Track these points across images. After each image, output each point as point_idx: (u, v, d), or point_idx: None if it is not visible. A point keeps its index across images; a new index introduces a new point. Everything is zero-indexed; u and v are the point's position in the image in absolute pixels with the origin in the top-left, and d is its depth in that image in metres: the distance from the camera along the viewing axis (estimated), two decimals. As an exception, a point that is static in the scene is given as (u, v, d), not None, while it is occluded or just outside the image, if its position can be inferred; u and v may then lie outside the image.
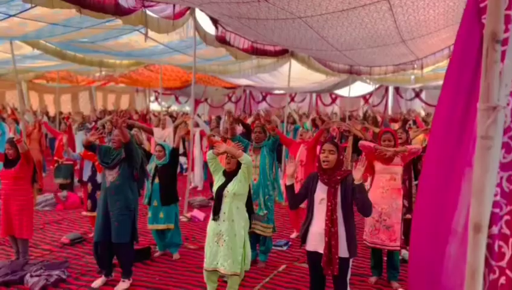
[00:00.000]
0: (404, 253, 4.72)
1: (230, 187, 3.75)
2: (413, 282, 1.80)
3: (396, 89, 18.73)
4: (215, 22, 7.05)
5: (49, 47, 8.18)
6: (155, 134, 7.87)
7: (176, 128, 7.87)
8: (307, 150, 5.64)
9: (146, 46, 7.74)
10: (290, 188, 3.27)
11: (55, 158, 8.46)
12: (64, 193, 7.88)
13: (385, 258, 4.45)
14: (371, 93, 18.50)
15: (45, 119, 11.69)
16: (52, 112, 16.38)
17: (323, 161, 3.10)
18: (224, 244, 3.68)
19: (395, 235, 4.16)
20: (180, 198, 7.05)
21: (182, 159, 9.46)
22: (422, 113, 16.74)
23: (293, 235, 5.98)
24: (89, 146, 4.51)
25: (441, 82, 6.70)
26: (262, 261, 4.86)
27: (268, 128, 4.88)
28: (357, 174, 3.00)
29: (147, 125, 8.94)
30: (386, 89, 18.79)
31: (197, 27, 6.77)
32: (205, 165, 9.27)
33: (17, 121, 9.78)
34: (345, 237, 3.05)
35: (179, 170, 7.86)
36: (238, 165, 3.83)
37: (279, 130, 7.36)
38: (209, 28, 7.14)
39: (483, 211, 1.29)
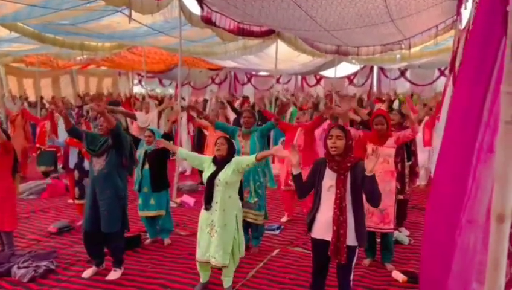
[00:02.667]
0: (397, 234, 4.73)
1: (222, 176, 3.65)
2: (425, 269, 1.75)
3: (381, 69, 18.69)
4: (200, 1, 6.84)
5: (27, 30, 7.85)
6: (138, 119, 7.65)
7: (160, 112, 7.69)
8: (305, 134, 5.52)
9: (129, 27, 7.46)
10: (297, 178, 3.13)
11: (37, 145, 8.24)
12: (48, 180, 7.69)
13: (378, 240, 4.45)
14: (355, 74, 18.42)
15: (25, 105, 11.32)
16: (32, 97, 15.93)
17: (331, 147, 2.98)
18: (216, 235, 3.61)
19: (388, 217, 4.15)
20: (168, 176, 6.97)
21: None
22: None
23: (284, 218, 5.94)
24: (72, 132, 4.32)
25: (425, 60, 6.64)
26: (255, 246, 4.82)
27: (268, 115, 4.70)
28: (370, 165, 2.84)
29: (131, 110, 8.75)
30: (371, 69, 18.72)
31: (182, 7, 6.57)
32: (193, 149, 9.16)
33: None
34: (353, 226, 2.97)
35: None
36: (229, 152, 3.73)
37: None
38: (195, 8, 6.93)
39: (507, 200, 1.22)
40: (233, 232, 3.66)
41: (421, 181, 7.33)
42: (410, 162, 5.29)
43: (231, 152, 3.75)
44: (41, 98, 15.81)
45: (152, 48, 11.66)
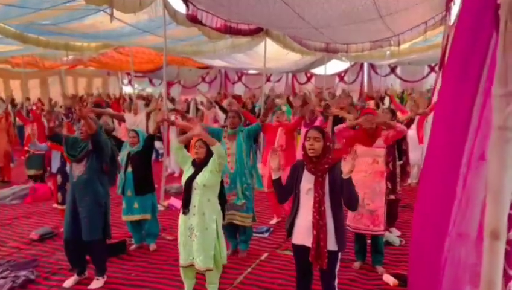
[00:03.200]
0: (388, 235, 4.63)
1: (199, 178, 3.54)
2: (413, 280, 1.64)
3: (372, 66, 18.64)
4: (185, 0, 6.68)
5: (8, 30, 7.62)
6: (127, 120, 7.50)
7: (148, 114, 7.53)
8: (286, 133, 5.43)
9: (113, 27, 7.27)
10: (276, 182, 3.01)
11: (26, 148, 8.02)
12: (30, 184, 7.50)
13: (369, 241, 4.34)
14: (346, 71, 18.34)
15: (9, 108, 11.07)
16: (19, 99, 15.64)
17: (309, 149, 2.87)
18: (196, 239, 3.50)
19: (378, 219, 4.04)
20: (156, 185, 6.79)
21: (158, 144, 9.14)
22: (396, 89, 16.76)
23: (273, 221, 5.82)
24: (53, 137, 4.18)
25: (415, 55, 6.56)
26: (243, 251, 4.69)
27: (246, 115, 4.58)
28: (346, 167, 2.73)
29: (120, 111, 8.57)
30: (361, 66, 18.65)
31: (166, 5, 6.40)
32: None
33: None
34: (333, 230, 2.86)
35: (154, 155, 7.58)
36: (208, 154, 3.60)
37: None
38: (180, 6, 6.76)
39: (502, 214, 1.11)
40: (215, 235, 3.55)
41: (412, 179, 7.24)
42: (401, 161, 5.19)
43: (209, 154, 3.62)
44: (28, 99, 15.55)
45: (140, 47, 11.47)
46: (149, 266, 4.50)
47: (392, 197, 4.86)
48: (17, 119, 11.38)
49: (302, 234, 2.92)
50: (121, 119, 7.67)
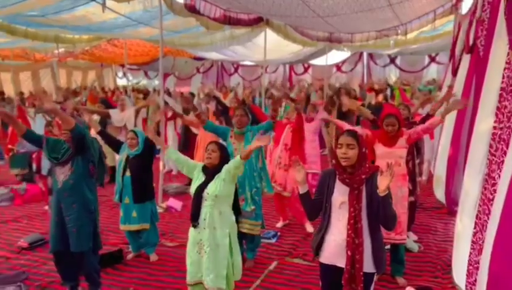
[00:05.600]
0: (408, 242, 4.29)
1: (211, 188, 3.12)
2: None
3: (371, 56, 18.23)
4: (182, -12, 6.27)
5: (-6, 21, 7.21)
6: (113, 117, 6.98)
7: (137, 111, 7.03)
8: (293, 132, 5.05)
9: (105, 18, 6.88)
10: (304, 197, 2.61)
11: (9, 146, 7.60)
12: (23, 185, 7.10)
13: (387, 247, 3.99)
14: (344, 61, 17.91)
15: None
16: (11, 92, 15.16)
17: (342, 158, 2.48)
18: (206, 256, 3.11)
19: (400, 227, 3.69)
20: (153, 184, 6.40)
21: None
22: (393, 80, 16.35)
23: (279, 224, 5.47)
24: (25, 136, 3.61)
25: (419, 45, 6.17)
26: (250, 259, 4.32)
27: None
28: (384, 183, 2.33)
29: (115, 105, 8.07)
30: (360, 56, 18.23)
31: (163, -6, 5.99)
32: (179, 150, 8.59)
33: None
34: (370, 249, 2.49)
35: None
36: (222, 160, 3.21)
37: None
38: (177, -5, 6.35)
39: None
40: (228, 253, 3.16)
41: (422, 176, 6.90)
42: (418, 160, 4.83)
43: (224, 160, 3.22)
44: (21, 93, 15.08)
45: (135, 39, 11.01)
46: (149, 278, 4.14)
47: (412, 198, 4.50)
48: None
49: (334, 254, 2.55)
50: (105, 116, 7.11)
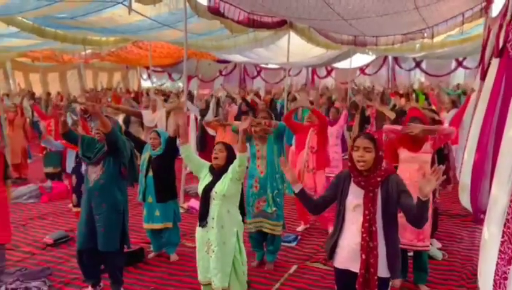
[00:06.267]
0: (432, 249, 4.20)
1: (218, 187, 3.16)
2: None
3: (395, 59, 17.95)
4: (207, -10, 6.32)
5: (26, 24, 7.38)
6: (144, 117, 7.14)
7: (168, 113, 7.14)
8: (317, 134, 5.01)
9: (132, 21, 6.99)
10: (300, 195, 2.62)
11: (42, 145, 7.78)
12: (49, 183, 7.27)
13: (410, 254, 3.91)
14: (368, 64, 17.69)
15: (25, 103, 10.90)
16: (39, 92, 15.58)
17: (358, 162, 2.45)
18: (213, 255, 3.13)
19: (423, 233, 3.61)
20: (176, 184, 6.43)
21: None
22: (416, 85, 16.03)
23: (300, 227, 5.43)
24: (66, 135, 3.82)
25: (446, 49, 5.98)
26: (270, 262, 4.31)
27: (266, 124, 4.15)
28: (427, 188, 2.22)
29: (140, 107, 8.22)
30: (385, 59, 17.97)
31: (187, -4, 6.05)
32: (197, 148, 8.64)
33: None
34: (385, 253, 2.45)
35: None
36: (228, 160, 3.23)
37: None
38: (201, -3, 6.41)
39: None
40: (233, 250, 3.18)
41: (451, 183, 6.73)
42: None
43: (230, 161, 3.25)
44: (48, 94, 15.50)
45: (159, 42, 11.16)
46: (169, 278, 4.18)
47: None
48: (35, 113, 11.25)
49: (347, 258, 2.52)
50: (138, 116, 7.30)
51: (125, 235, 3.81)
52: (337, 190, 2.58)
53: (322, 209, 2.70)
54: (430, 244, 4.54)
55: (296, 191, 2.62)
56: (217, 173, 3.23)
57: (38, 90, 16.00)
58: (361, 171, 2.48)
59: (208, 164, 3.37)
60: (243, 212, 3.47)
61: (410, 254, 3.88)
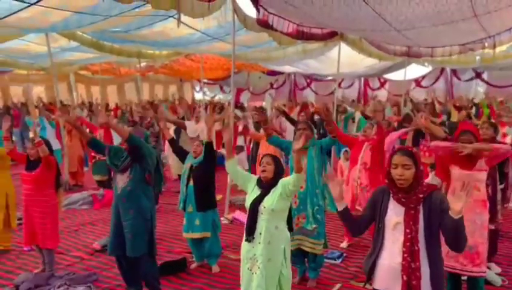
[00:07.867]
0: (490, 274, 3.87)
1: (267, 202, 3.05)
2: None
3: (453, 70, 17.09)
4: (255, 3, 6.34)
5: (86, 38, 7.83)
6: (188, 128, 7.24)
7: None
8: (372, 150, 4.75)
9: (182, 34, 7.17)
10: (342, 214, 2.50)
11: (93, 154, 8.15)
12: (101, 190, 7.56)
13: (463, 278, 3.62)
14: (424, 76, 16.96)
15: (80, 112, 11.45)
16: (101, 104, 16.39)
17: (398, 180, 2.32)
18: (258, 272, 3.02)
19: (479, 258, 3.33)
20: (221, 196, 6.41)
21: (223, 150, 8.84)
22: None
23: (344, 244, 5.23)
24: (92, 144, 3.95)
25: (510, 60, 5.46)
26: (312, 279, 4.16)
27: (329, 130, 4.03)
28: (458, 204, 2.12)
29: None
30: (442, 71, 17.15)
31: (236, 9, 6.09)
32: (249, 158, 8.63)
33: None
34: (428, 275, 2.28)
35: (219, 161, 7.20)
36: (277, 174, 3.14)
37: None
38: (250, 10, 6.44)
39: None
40: (280, 267, 3.07)
41: (509, 203, 6.25)
42: (502, 185, 4.37)
43: (279, 173, 3.16)
44: (107, 105, 16.24)
45: (209, 54, 11.40)
46: (209, 289, 4.15)
47: (491, 227, 4.07)
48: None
49: (387, 279, 2.37)
50: (182, 126, 7.38)
51: (151, 242, 3.85)
52: (376, 207, 2.45)
53: (364, 229, 2.57)
54: (488, 268, 4.20)
55: (340, 209, 2.50)
56: (266, 186, 3.14)
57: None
58: (402, 188, 2.33)
59: (255, 177, 3.31)
60: (290, 227, 3.36)
61: (464, 278, 3.60)
